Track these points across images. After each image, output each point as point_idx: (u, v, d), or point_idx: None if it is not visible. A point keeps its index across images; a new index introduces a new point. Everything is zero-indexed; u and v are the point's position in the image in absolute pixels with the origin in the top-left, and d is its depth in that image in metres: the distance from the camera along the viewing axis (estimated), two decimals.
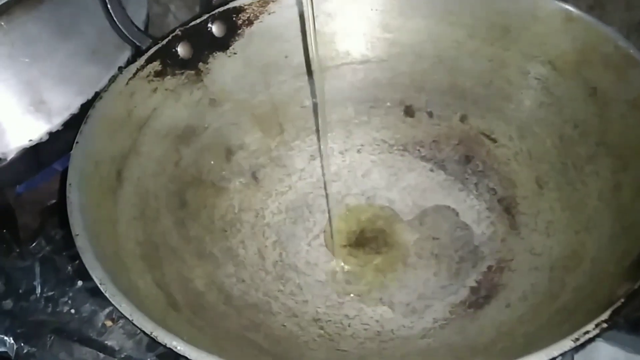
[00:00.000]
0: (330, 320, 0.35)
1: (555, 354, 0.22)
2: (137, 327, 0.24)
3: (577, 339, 0.23)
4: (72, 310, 0.41)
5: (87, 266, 0.27)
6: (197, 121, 0.41)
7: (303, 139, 0.45)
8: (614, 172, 0.34)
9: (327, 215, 0.41)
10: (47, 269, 0.43)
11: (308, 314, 0.36)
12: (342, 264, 0.39)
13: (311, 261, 0.39)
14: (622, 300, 0.23)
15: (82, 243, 0.28)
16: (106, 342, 0.39)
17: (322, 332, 0.34)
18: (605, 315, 0.23)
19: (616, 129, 0.34)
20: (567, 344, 0.23)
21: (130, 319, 0.25)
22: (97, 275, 0.26)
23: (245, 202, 0.41)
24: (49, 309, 0.41)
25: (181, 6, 0.56)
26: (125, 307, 0.25)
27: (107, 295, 0.26)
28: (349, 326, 0.35)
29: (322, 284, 0.38)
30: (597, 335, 0.23)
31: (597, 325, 0.23)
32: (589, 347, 0.46)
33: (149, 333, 0.24)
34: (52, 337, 0.39)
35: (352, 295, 0.37)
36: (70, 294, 0.41)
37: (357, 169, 0.44)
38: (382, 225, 0.41)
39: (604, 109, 0.35)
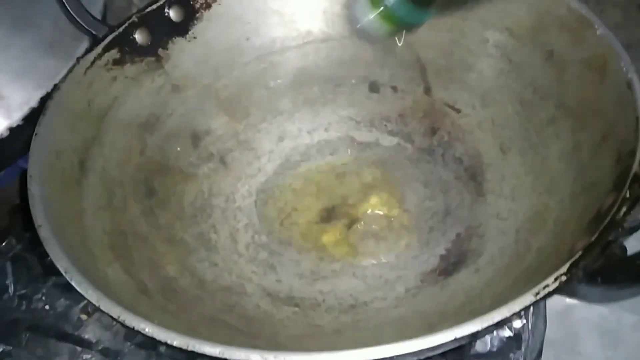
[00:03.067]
0: (304, 297, 0.36)
1: (517, 308, 0.23)
2: (105, 312, 0.24)
3: (537, 293, 0.23)
4: (47, 307, 0.40)
5: (51, 256, 0.26)
6: (161, 108, 0.41)
7: (270, 120, 0.44)
8: (573, 132, 0.34)
9: (297, 193, 0.41)
10: (19, 267, 0.42)
11: (282, 293, 0.36)
12: (314, 240, 0.39)
13: (284, 240, 0.39)
14: (580, 253, 0.24)
15: (45, 234, 0.27)
16: (83, 335, 0.39)
17: (296, 309, 0.35)
18: (563, 269, 0.24)
19: (573, 91, 0.35)
20: (528, 298, 0.23)
21: (97, 304, 0.25)
22: (62, 265, 0.26)
23: (214, 187, 0.41)
24: (23, 307, 0.40)
25: None
26: (91, 294, 0.25)
27: (73, 283, 0.26)
28: (323, 302, 0.35)
29: (295, 262, 0.38)
30: (557, 289, 0.23)
31: (556, 279, 0.23)
32: (563, 307, 0.47)
33: (116, 317, 0.24)
34: (28, 335, 0.39)
35: (325, 271, 0.37)
36: (44, 291, 0.41)
37: (325, 147, 0.44)
38: (352, 200, 0.41)
39: (561, 72, 0.36)
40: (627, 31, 0.48)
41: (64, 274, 0.26)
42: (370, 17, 0.30)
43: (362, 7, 0.30)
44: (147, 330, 0.23)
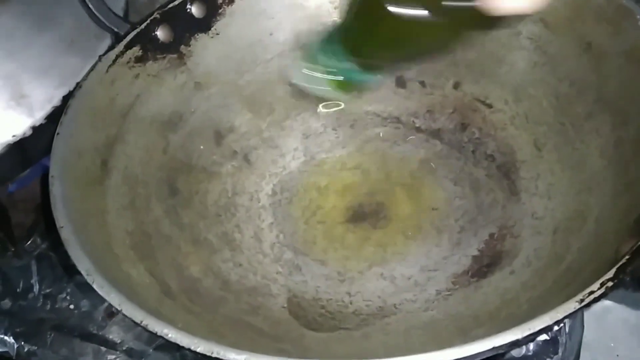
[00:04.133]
0: (331, 299, 0.35)
1: (560, 316, 0.22)
2: (127, 316, 0.24)
3: (582, 300, 0.22)
4: (71, 306, 0.40)
5: (72, 258, 0.26)
6: (183, 106, 0.40)
7: (294, 117, 0.44)
8: (613, 128, 0.33)
9: (323, 191, 0.40)
10: (44, 266, 0.42)
11: (308, 294, 0.35)
12: (341, 240, 0.38)
13: (309, 240, 0.38)
14: (627, 257, 0.23)
15: (67, 235, 0.27)
16: (107, 335, 0.38)
17: (323, 311, 0.34)
18: (610, 274, 0.22)
19: (613, 84, 0.33)
20: (571, 305, 0.22)
21: (119, 309, 0.24)
22: (84, 267, 0.26)
23: (238, 186, 0.41)
24: (48, 306, 0.40)
25: None
26: (113, 297, 0.24)
27: (94, 286, 0.25)
28: (350, 304, 0.34)
29: (321, 262, 0.37)
30: (603, 295, 0.22)
31: (602, 285, 0.22)
32: (601, 309, 0.45)
33: (138, 322, 0.23)
34: (52, 334, 0.38)
35: (352, 271, 0.36)
36: (68, 290, 0.41)
37: (351, 144, 0.43)
38: (379, 198, 0.40)
39: (599, 64, 0.34)
40: None
41: (85, 276, 0.25)
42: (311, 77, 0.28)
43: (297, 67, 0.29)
44: (170, 335, 0.23)
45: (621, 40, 0.33)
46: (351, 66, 0.27)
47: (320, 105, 0.36)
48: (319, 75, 0.29)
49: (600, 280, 0.22)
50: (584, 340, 0.37)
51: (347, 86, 0.29)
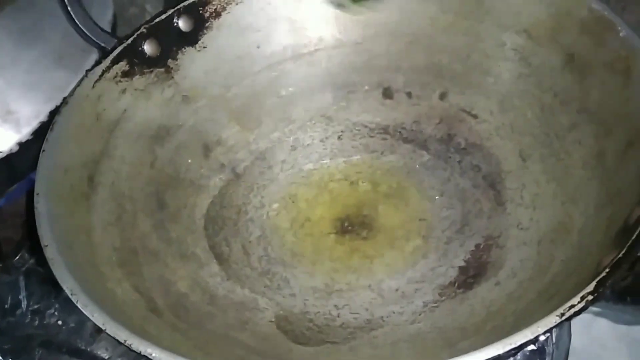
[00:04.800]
0: (319, 312, 0.35)
1: (541, 330, 0.22)
2: (111, 336, 0.24)
3: (563, 314, 0.22)
4: (59, 322, 0.40)
5: (57, 277, 0.26)
6: (171, 120, 0.40)
7: (282, 129, 0.44)
8: (596, 138, 0.33)
9: (311, 203, 0.40)
10: (32, 281, 0.42)
11: (296, 307, 0.35)
12: (329, 252, 0.38)
13: (297, 252, 0.38)
14: (607, 270, 0.23)
15: (51, 254, 0.27)
16: (95, 351, 0.38)
17: (310, 324, 0.34)
18: (590, 287, 0.22)
19: (596, 95, 0.34)
20: (552, 319, 0.22)
21: (103, 328, 0.24)
22: (68, 286, 0.26)
23: (226, 199, 0.41)
24: (36, 322, 0.40)
25: (158, 6, 0.55)
26: (97, 317, 0.24)
27: (78, 305, 0.25)
28: (338, 316, 0.34)
29: (309, 274, 0.37)
30: (584, 309, 0.22)
31: (582, 298, 0.22)
32: (589, 317, 0.45)
33: (122, 342, 0.23)
34: (41, 351, 0.38)
35: (340, 284, 0.36)
36: (57, 305, 0.41)
37: (339, 155, 0.43)
38: (367, 210, 0.40)
39: (582, 75, 0.35)
40: None
41: (70, 295, 0.25)
42: None
43: None
44: (154, 355, 0.23)
45: (603, 51, 0.34)
46: None
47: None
48: None
49: (581, 294, 0.22)
50: (572, 347, 0.37)
51: None
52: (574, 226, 0.31)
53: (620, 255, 0.23)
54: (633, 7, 0.46)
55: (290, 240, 0.39)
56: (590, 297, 0.22)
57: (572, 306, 0.22)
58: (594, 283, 0.22)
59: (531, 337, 0.22)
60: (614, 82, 0.32)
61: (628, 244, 0.23)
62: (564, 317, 0.22)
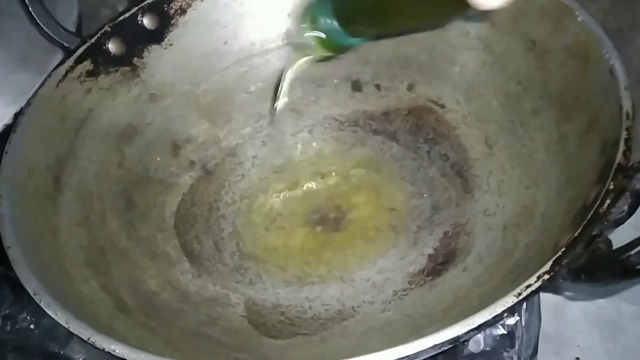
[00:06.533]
0: (290, 305, 0.35)
1: (499, 310, 0.22)
2: (74, 334, 0.24)
3: (520, 294, 0.22)
4: (32, 326, 0.39)
5: (19, 277, 0.26)
6: (139, 118, 0.40)
7: (252, 125, 0.44)
8: (557, 123, 0.33)
9: (282, 197, 0.41)
10: (4, 286, 0.42)
11: (268, 301, 0.35)
12: (301, 245, 0.38)
13: (270, 247, 0.38)
14: (563, 250, 0.23)
15: (14, 255, 0.27)
16: (69, 353, 0.38)
17: (282, 317, 0.34)
18: (546, 267, 0.23)
19: (556, 80, 0.34)
20: (509, 299, 0.22)
21: (67, 326, 0.24)
22: (31, 286, 0.25)
23: (197, 196, 0.41)
24: (8, 327, 0.40)
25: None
26: (60, 316, 0.24)
27: (41, 305, 0.25)
28: (310, 309, 0.34)
29: (281, 268, 0.37)
30: (540, 288, 0.23)
31: (538, 278, 0.22)
32: (561, 301, 0.46)
33: (86, 339, 0.23)
34: (13, 356, 0.38)
35: (312, 276, 0.36)
36: (29, 309, 0.40)
37: (310, 149, 0.43)
38: (338, 202, 0.40)
39: (544, 61, 0.35)
40: (615, 15, 0.46)
41: (32, 295, 0.25)
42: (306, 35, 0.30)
43: (300, 25, 0.30)
44: (117, 351, 0.23)
45: (563, 36, 0.34)
46: (337, 27, 0.29)
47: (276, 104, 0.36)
48: (308, 32, 0.30)
49: (537, 274, 0.23)
50: (544, 331, 0.38)
51: (331, 45, 0.30)
52: (537, 210, 0.32)
53: (576, 234, 0.23)
54: None
55: (263, 235, 0.39)
56: (546, 277, 0.22)
57: (529, 285, 0.22)
58: (550, 262, 0.23)
59: (489, 317, 0.22)
60: (573, 66, 0.33)
61: (583, 224, 0.24)
62: (520, 297, 0.22)
